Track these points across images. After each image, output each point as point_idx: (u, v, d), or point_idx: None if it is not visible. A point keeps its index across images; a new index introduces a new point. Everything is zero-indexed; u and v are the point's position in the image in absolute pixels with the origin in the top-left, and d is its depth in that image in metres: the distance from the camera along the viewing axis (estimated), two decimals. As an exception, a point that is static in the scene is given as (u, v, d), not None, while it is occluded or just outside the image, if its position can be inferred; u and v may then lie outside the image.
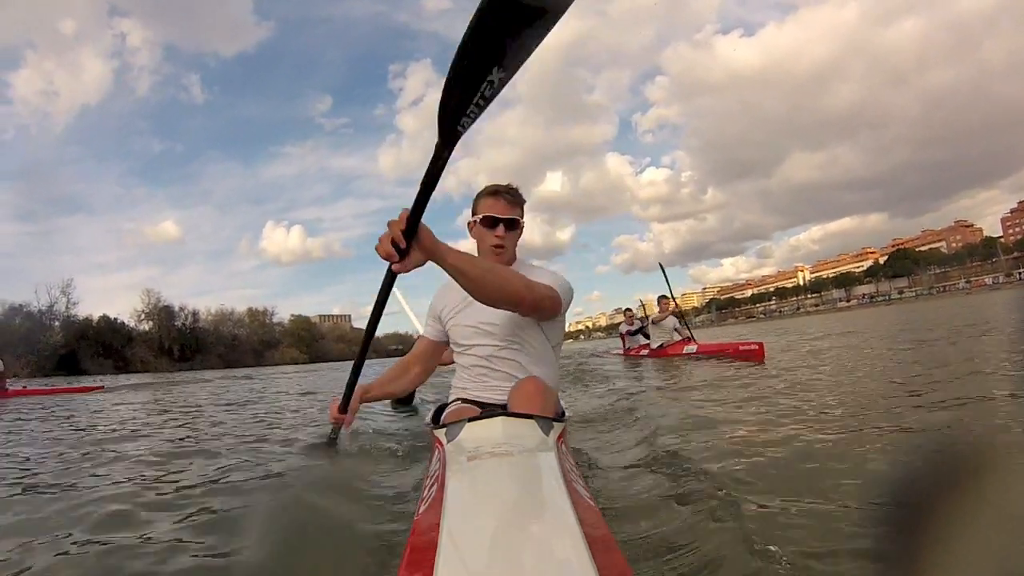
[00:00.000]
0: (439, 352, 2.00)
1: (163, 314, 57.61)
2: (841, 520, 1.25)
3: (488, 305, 1.51)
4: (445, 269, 1.30)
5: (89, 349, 45.85)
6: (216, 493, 1.69)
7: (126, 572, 1.15)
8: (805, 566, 1.05)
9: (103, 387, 13.08)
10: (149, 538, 1.32)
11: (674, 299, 8.53)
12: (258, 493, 1.64)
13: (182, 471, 2.08)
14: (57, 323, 46.10)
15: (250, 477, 1.90)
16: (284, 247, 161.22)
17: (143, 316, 56.73)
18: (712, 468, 1.73)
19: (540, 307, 1.57)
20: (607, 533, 0.82)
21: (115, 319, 54.07)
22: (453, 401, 1.83)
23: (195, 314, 61.65)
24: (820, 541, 1.14)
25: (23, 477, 2.22)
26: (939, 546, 1.09)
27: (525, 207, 1.85)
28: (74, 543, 1.33)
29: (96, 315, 51.10)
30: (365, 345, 1.66)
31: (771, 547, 1.11)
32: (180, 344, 57.12)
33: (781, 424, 2.38)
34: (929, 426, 2.16)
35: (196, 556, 1.19)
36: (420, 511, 0.93)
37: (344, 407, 1.75)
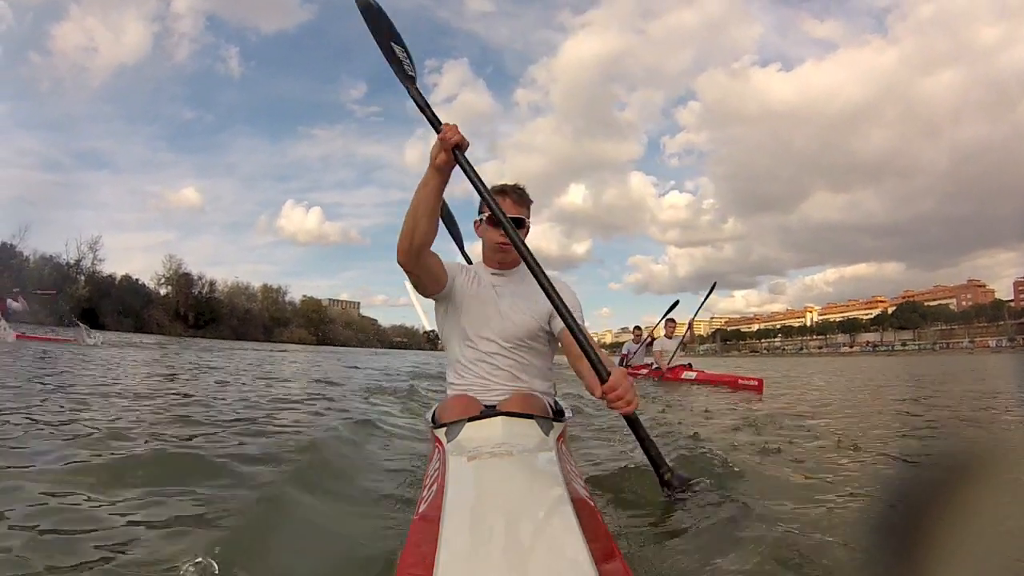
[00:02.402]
0: (439, 267, 1.70)
1: (182, 281, 58.97)
2: (842, 523, 1.26)
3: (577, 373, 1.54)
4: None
5: (110, 306, 47.34)
6: (211, 490, 1.64)
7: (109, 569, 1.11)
8: (804, 568, 1.05)
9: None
10: (140, 532, 1.27)
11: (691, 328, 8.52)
12: (254, 492, 1.59)
13: (177, 461, 1.99)
14: (82, 277, 47.74)
15: (247, 472, 1.85)
16: (301, 227, 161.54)
17: (163, 280, 58.35)
18: (712, 471, 1.75)
19: None
20: (607, 533, 0.83)
21: (136, 280, 55.74)
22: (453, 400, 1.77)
23: (212, 284, 63.16)
24: (820, 543, 1.15)
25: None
26: (932, 556, 1.08)
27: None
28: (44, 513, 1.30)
29: (112, 272, 52.76)
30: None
31: (770, 549, 1.12)
32: (196, 312, 58.52)
33: (780, 434, 2.43)
34: (924, 449, 2.26)
35: (188, 556, 1.14)
36: (420, 511, 0.93)
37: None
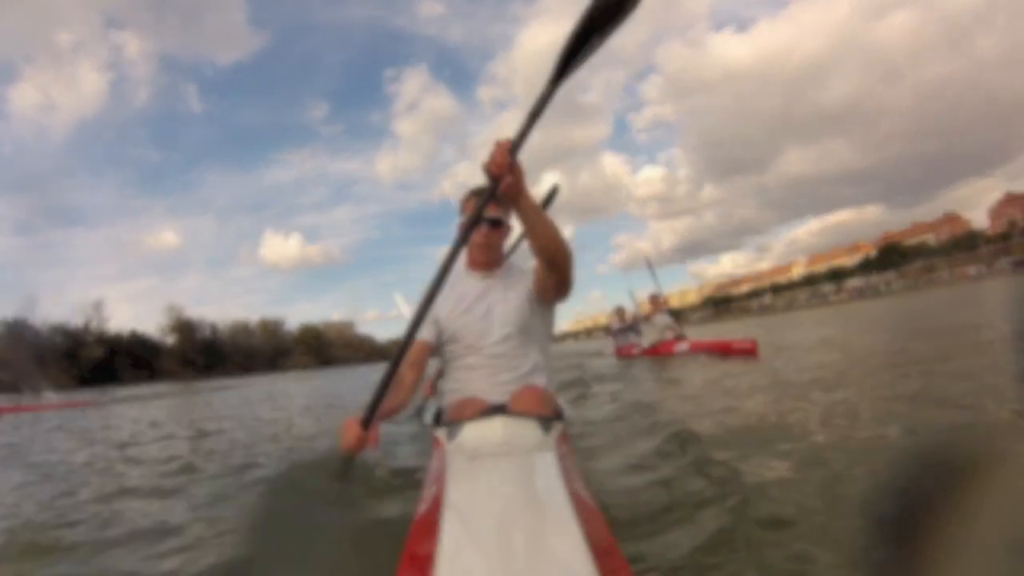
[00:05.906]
0: (427, 355, 1.74)
1: (185, 328, 59.86)
2: (845, 526, 1.21)
3: (540, 251, 1.51)
4: (521, 205, 1.40)
5: (124, 362, 48.49)
6: (209, 491, 1.66)
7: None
8: (806, 568, 1.04)
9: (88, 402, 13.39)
10: (138, 544, 1.29)
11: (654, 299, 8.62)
12: (251, 492, 1.60)
13: (174, 470, 2.08)
14: (91, 339, 48.77)
15: (244, 475, 1.85)
16: (283, 254, 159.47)
17: (168, 330, 59.25)
18: (713, 468, 1.70)
19: (570, 267, 1.56)
20: (607, 532, 0.83)
21: (142, 333, 56.69)
22: (453, 401, 1.73)
23: (214, 327, 64.14)
24: (822, 544, 1.12)
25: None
26: (936, 546, 0.99)
27: None
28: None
29: (119, 329, 53.77)
30: (408, 336, 1.34)
31: (772, 548, 1.10)
32: (203, 356, 59.43)
33: (780, 424, 2.35)
34: (923, 423, 2.15)
35: (185, 557, 1.15)
36: (420, 511, 0.93)
37: (367, 423, 1.30)
